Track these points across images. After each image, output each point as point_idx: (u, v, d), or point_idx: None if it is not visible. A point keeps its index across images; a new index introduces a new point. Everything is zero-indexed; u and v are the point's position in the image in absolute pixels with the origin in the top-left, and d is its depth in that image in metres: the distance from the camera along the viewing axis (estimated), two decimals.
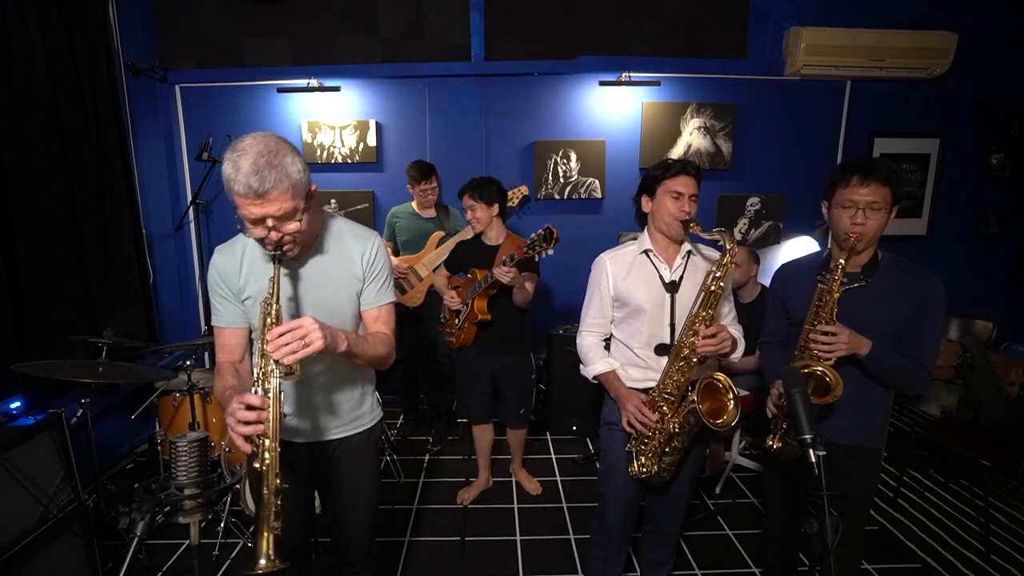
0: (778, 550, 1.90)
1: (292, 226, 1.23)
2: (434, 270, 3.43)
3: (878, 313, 1.54)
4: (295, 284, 1.40)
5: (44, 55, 2.71)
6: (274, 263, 1.24)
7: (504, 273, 2.34)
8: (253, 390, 1.19)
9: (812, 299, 1.57)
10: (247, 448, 1.15)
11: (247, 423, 1.13)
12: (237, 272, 1.40)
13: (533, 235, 2.23)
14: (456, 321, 2.74)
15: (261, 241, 1.25)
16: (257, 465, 1.16)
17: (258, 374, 1.20)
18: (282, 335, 1.15)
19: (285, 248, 1.25)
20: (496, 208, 2.61)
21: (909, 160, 3.92)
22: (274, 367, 1.17)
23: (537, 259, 2.27)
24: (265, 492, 1.15)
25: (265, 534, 1.13)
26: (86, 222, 2.95)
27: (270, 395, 1.17)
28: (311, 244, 1.41)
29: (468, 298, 2.63)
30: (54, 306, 2.76)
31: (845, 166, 1.55)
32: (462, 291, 2.68)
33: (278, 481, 1.15)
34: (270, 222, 1.20)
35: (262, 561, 1.11)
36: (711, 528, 2.68)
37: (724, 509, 2.82)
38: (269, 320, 1.20)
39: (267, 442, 1.16)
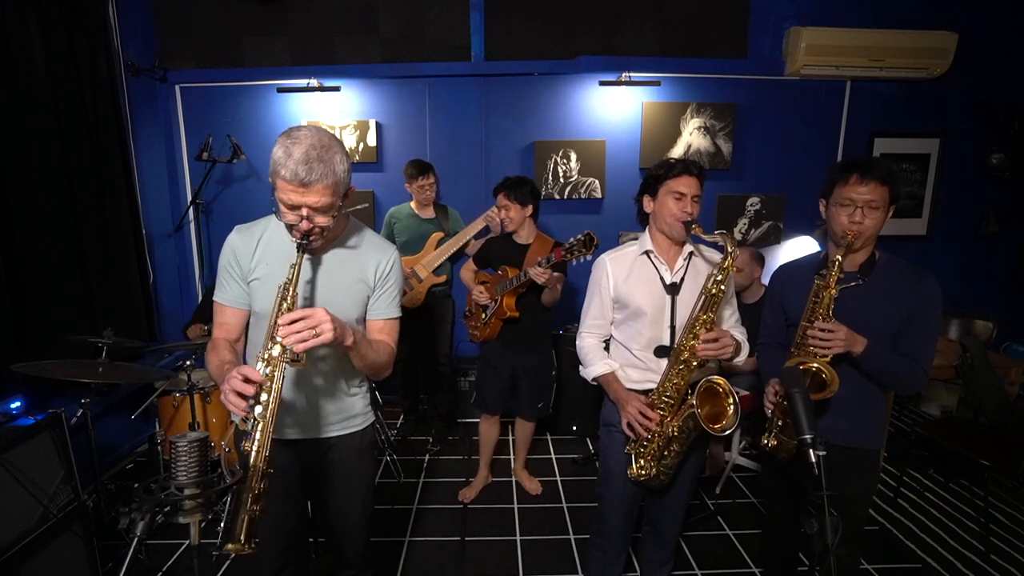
0: (778, 550, 1.90)
1: (324, 219, 1.28)
2: (434, 271, 3.43)
3: (875, 312, 1.54)
4: (308, 276, 1.42)
5: (44, 55, 2.71)
6: (298, 251, 1.27)
7: (540, 274, 2.38)
8: (257, 367, 1.19)
9: (809, 298, 1.57)
10: (238, 409, 1.13)
11: (239, 395, 1.12)
12: (251, 255, 1.42)
13: (572, 239, 2.27)
14: (483, 316, 2.75)
15: (290, 228, 1.29)
16: (247, 445, 1.16)
17: (264, 355, 1.20)
18: (294, 322, 1.16)
19: (312, 239, 1.29)
20: (530, 209, 2.64)
21: (909, 160, 3.92)
22: (281, 351, 1.18)
23: (574, 263, 2.31)
24: (250, 473, 1.15)
25: (242, 516, 1.13)
26: (86, 222, 2.95)
27: (272, 377, 1.17)
28: (331, 242, 1.44)
29: (498, 294, 2.64)
30: (54, 306, 2.76)
31: (844, 164, 1.55)
32: (491, 287, 2.70)
33: (263, 465, 1.16)
34: (305, 211, 1.24)
35: (230, 544, 1.12)
36: (711, 528, 2.68)
37: (724, 509, 2.82)
38: (284, 305, 1.22)
39: (260, 423, 1.16)
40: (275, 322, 1.20)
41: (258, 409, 1.15)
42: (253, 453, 1.15)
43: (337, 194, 1.27)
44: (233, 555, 1.11)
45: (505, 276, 2.61)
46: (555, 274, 2.50)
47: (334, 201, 1.27)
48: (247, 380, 1.13)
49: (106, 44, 3.11)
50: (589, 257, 2.23)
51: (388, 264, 1.49)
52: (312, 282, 1.42)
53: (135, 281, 3.27)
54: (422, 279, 3.43)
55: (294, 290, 1.24)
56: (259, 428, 1.16)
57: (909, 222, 3.98)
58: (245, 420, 1.16)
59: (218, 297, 1.47)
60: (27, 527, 1.83)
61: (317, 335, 1.17)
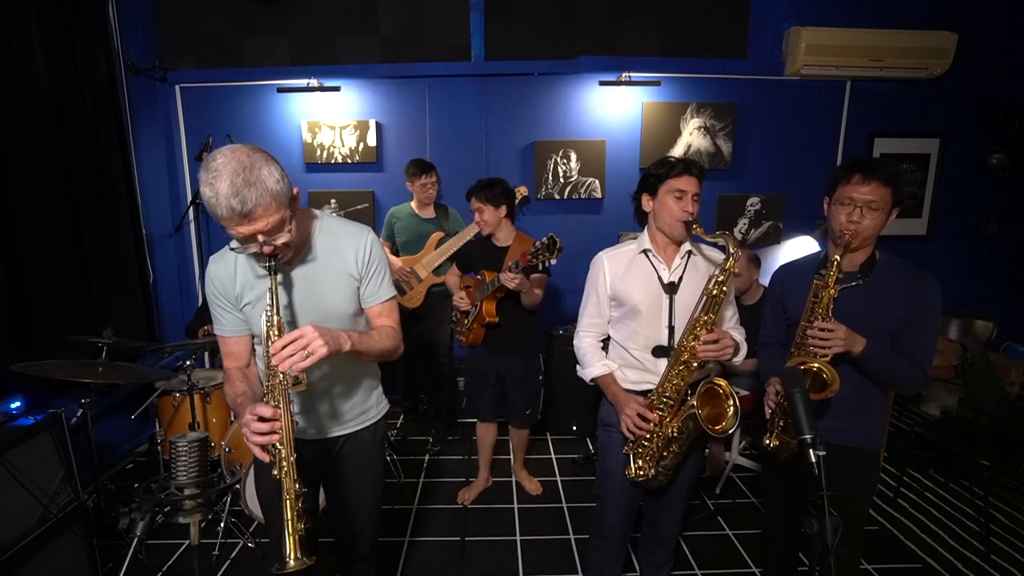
0: (778, 550, 1.90)
1: (283, 238, 1.23)
2: (434, 271, 3.43)
3: (874, 312, 1.54)
4: (291, 288, 1.40)
5: (44, 55, 2.71)
6: (270, 275, 1.24)
7: (510, 279, 2.34)
8: (264, 399, 1.22)
9: (808, 298, 1.57)
10: (264, 457, 1.19)
11: (262, 434, 1.16)
12: (232, 280, 1.39)
13: (537, 243, 2.22)
14: (466, 321, 2.75)
15: (255, 254, 1.26)
16: (276, 473, 1.19)
17: (267, 385, 1.23)
18: (285, 347, 1.16)
19: (279, 257, 1.26)
20: (504, 209, 2.60)
21: (909, 160, 3.92)
22: (281, 377, 1.19)
23: (541, 268, 2.26)
24: (286, 498, 1.18)
25: (291, 537, 1.16)
26: (86, 222, 2.95)
27: (280, 406, 1.20)
28: (303, 246, 1.41)
29: (477, 299, 2.63)
30: (54, 306, 2.76)
31: (849, 163, 1.55)
32: (472, 292, 2.69)
33: (297, 486, 1.19)
34: (260, 237, 1.20)
35: (291, 561, 1.15)
36: (711, 528, 2.68)
37: (724, 509, 2.82)
38: (272, 332, 1.22)
39: (283, 451, 1.19)
40: (267, 351, 1.21)
41: (275, 437, 1.19)
42: (284, 478, 1.19)
43: (282, 207, 1.19)
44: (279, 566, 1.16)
45: (484, 280, 2.59)
46: (532, 277, 2.46)
47: (283, 215, 1.20)
48: (262, 419, 1.16)
49: (106, 44, 3.11)
50: (554, 261, 2.18)
51: (367, 248, 1.46)
52: (300, 291, 1.40)
53: (135, 281, 3.27)
54: (422, 279, 3.43)
55: (277, 314, 1.23)
56: (282, 455, 1.19)
57: (909, 222, 3.98)
58: (264, 448, 1.19)
59: (217, 331, 1.47)
60: (27, 527, 1.83)
61: (310, 354, 1.17)
